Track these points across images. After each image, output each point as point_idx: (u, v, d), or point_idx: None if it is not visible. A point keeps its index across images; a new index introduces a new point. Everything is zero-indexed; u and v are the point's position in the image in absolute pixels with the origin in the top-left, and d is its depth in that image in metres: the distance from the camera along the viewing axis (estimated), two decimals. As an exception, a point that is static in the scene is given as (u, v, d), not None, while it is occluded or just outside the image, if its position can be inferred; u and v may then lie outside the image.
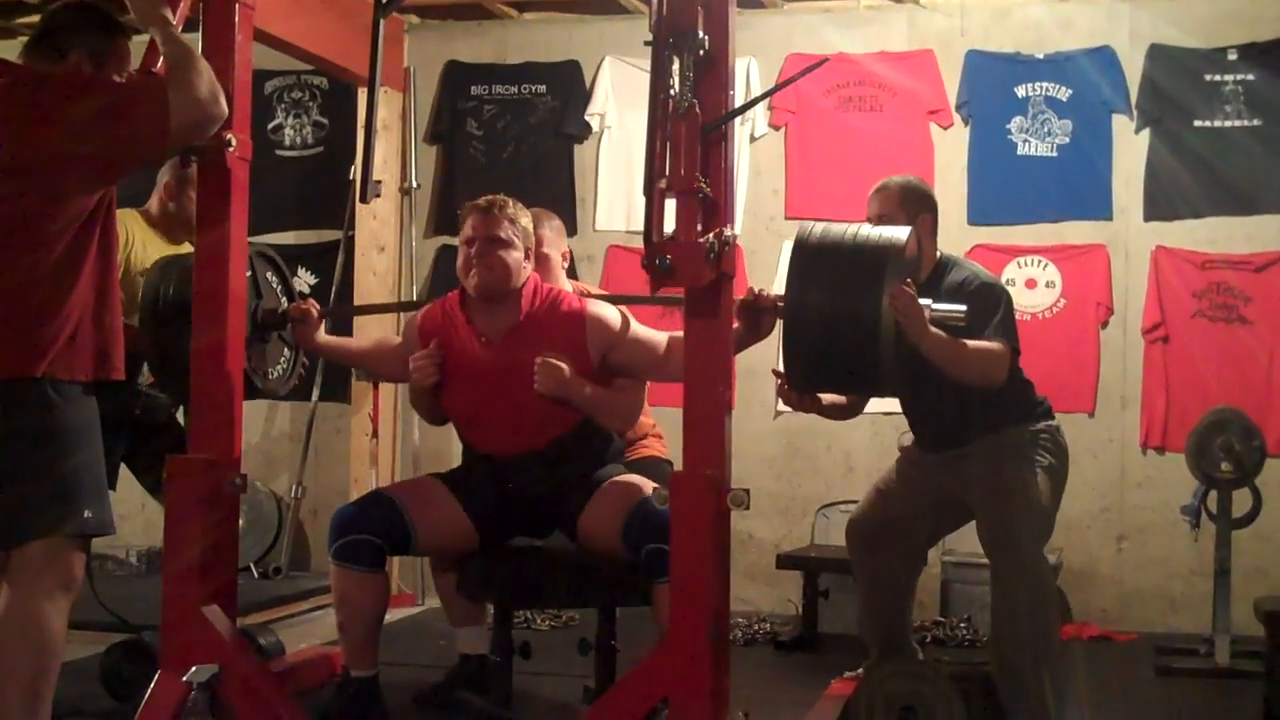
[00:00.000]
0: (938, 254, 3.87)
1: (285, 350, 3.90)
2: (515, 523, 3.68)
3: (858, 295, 3.09)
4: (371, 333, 5.22)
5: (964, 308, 3.46)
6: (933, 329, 3.38)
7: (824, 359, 3.15)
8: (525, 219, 3.65)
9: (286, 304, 3.85)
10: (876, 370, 3.14)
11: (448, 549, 3.73)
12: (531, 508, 3.63)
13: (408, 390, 3.89)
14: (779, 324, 3.21)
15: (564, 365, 3.50)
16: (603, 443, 3.69)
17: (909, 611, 4.05)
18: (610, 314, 3.62)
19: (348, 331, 5.16)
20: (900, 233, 3.25)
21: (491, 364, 3.58)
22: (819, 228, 3.23)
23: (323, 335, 3.83)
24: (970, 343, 3.52)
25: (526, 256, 3.63)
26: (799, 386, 3.43)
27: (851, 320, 3.08)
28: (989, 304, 3.67)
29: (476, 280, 3.57)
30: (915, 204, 3.83)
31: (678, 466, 3.10)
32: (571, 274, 4.72)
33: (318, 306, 3.80)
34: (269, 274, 3.84)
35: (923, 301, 3.35)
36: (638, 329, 3.63)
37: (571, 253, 4.60)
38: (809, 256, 3.16)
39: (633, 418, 3.78)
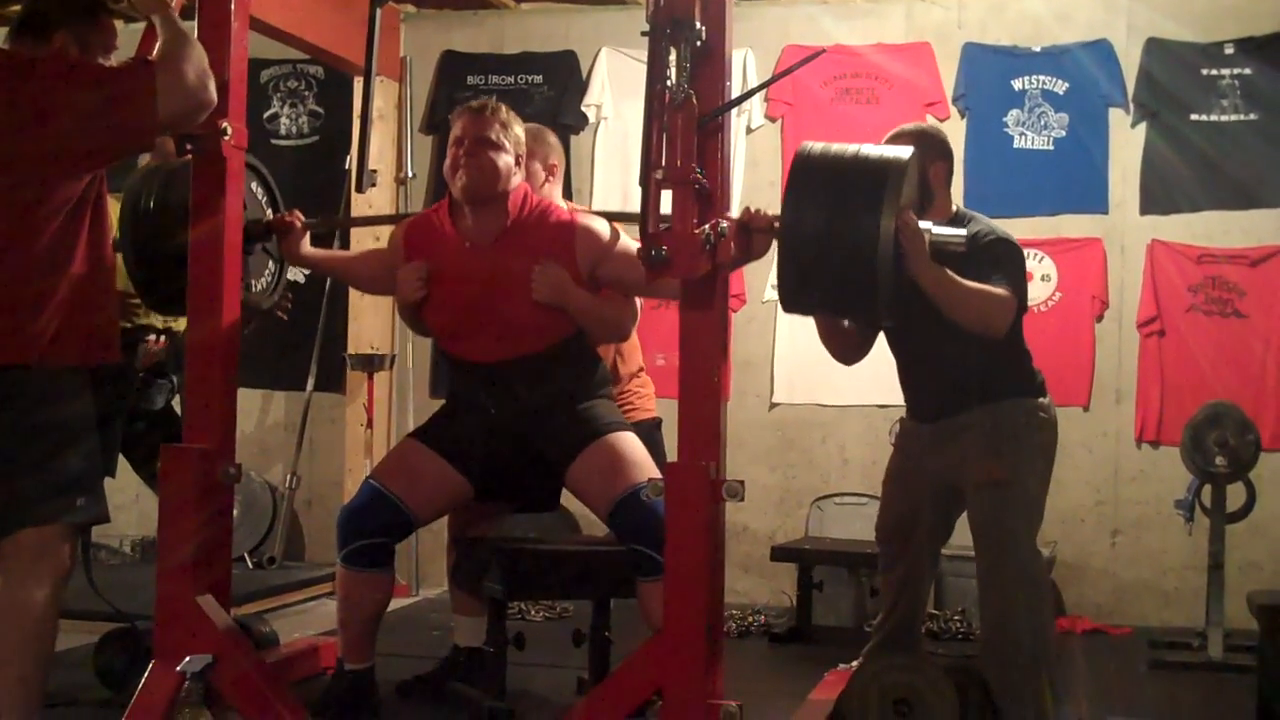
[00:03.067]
0: (953, 207, 3.73)
1: (270, 263, 3.81)
2: (504, 468, 3.59)
3: (857, 213, 2.98)
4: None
5: (964, 231, 3.36)
6: (933, 264, 3.27)
7: (819, 278, 3.03)
8: (517, 126, 3.56)
9: (271, 215, 3.76)
10: (873, 292, 3.03)
11: (447, 511, 3.72)
12: (517, 444, 3.54)
13: (395, 304, 3.76)
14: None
15: (563, 271, 3.44)
16: (590, 363, 3.63)
17: (924, 610, 3.99)
18: (601, 226, 3.55)
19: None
20: (903, 152, 3.15)
21: (478, 270, 3.50)
22: (819, 145, 3.13)
23: (307, 247, 3.74)
24: (972, 283, 3.38)
25: (517, 163, 3.54)
26: (791, 307, 3.29)
27: (850, 239, 2.96)
28: (1000, 255, 3.56)
29: (464, 180, 3.47)
30: (928, 151, 3.61)
31: (668, 421, 3.05)
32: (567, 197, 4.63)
33: (302, 218, 3.72)
34: (254, 185, 3.73)
35: (923, 224, 3.23)
36: (628, 242, 3.51)
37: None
38: (808, 174, 3.05)
39: (626, 329, 3.73)
